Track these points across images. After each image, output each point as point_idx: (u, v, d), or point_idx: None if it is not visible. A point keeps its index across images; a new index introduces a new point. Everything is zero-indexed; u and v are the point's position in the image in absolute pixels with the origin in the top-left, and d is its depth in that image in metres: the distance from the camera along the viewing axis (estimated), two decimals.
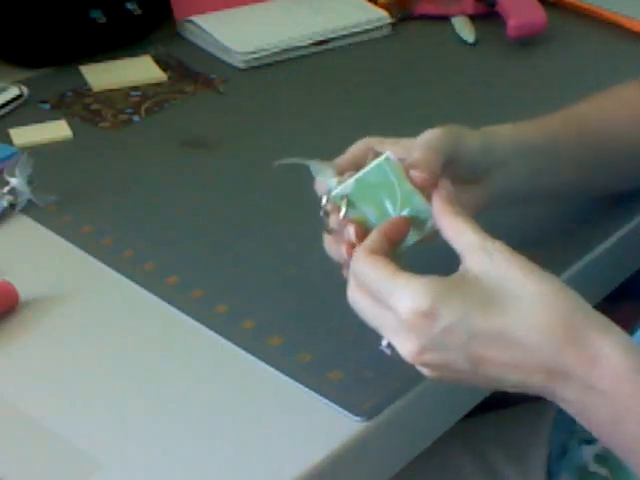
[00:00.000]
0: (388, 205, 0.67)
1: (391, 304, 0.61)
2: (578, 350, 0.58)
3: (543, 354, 0.58)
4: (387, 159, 0.67)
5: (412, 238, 0.67)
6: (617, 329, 0.60)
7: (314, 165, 0.70)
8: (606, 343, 0.58)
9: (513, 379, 0.60)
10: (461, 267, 0.61)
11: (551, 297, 0.59)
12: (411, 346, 0.60)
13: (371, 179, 0.67)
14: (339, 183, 0.68)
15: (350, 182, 0.68)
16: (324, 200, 0.69)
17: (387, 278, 0.61)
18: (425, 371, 0.62)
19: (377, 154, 0.69)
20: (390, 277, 0.61)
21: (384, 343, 0.64)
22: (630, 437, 0.59)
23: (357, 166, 0.70)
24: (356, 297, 0.64)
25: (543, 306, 0.59)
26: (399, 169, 0.67)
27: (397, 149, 0.70)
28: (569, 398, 0.59)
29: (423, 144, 0.69)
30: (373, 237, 0.65)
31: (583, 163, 0.82)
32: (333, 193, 0.68)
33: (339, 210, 0.67)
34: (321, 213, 0.69)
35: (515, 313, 0.58)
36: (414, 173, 0.67)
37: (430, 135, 0.71)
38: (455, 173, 0.71)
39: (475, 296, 0.59)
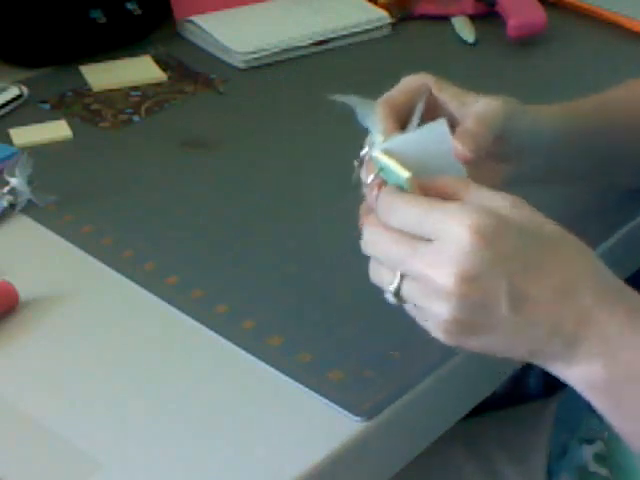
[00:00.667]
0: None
1: (442, 230, 0.57)
2: (610, 307, 0.59)
3: (579, 304, 0.59)
4: (442, 124, 0.63)
5: None
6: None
7: (361, 107, 0.67)
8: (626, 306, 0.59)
9: (547, 325, 0.59)
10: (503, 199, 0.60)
11: (589, 253, 0.61)
12: (455, 275, 0.57)
13: (420, 144, 0.63)
14: (385, 139, 0.64)
15: (395, 142, 0.63)
16: (363, 151, 0.66)
17: (433, 207, 0.58)
18: (450, 322, 0.59)
19: (431, 99, 0.68)
20: (437, 205, 0.58)
21: (391, 289, 0.61)
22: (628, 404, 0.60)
23: (407, 104, 0.69)
24: (380, 234, 0.60)
25: (585, 259, 0.60)
26: (449, 139, 0.63)
27: (457, 107, 0.70)
28: (590, 355, 0.59)
29: (478, 115, 0.68)
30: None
31: (612, 152, 0.82)
32: (374, 153, 0.62)
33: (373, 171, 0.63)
34: (355, 163, 0.67)
35: (562, 260, 0.59)
36: (457, 145, 0.65)
37: (487, 107, 0.69)
38: (496, 150, 0.70)
39: (532, 232, 0.59)
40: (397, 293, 0.61)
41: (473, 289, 0.57)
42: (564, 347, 0.59)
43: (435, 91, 0.71)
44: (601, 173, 0.85)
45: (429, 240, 0.58)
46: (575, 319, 0.58)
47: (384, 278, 0.62)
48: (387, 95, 0.72)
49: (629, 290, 0.61)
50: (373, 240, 0.61)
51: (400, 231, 0.59)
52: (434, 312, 0.59)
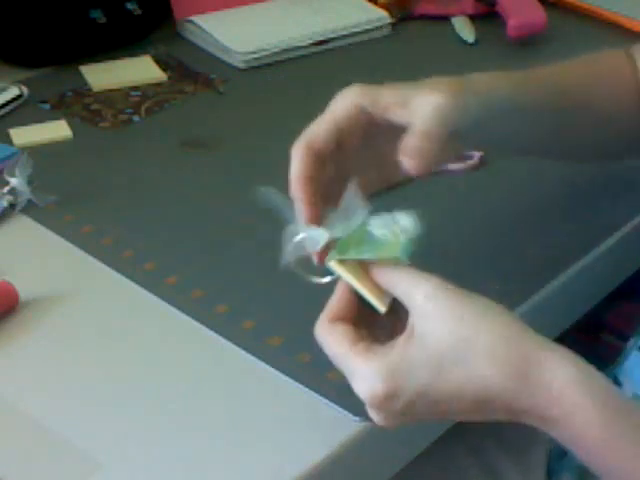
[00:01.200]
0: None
1: (351, 383, 0.61)
2: (528, 393, 0.58)
3: (498, 402, 0.59)
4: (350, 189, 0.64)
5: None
6: (567, 358, 0.59)
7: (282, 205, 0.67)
8: (557, 378, 0.58)
9: (481, 419, 0.62)
10: (409, 321, 0.61)
11: (495, 348, 0.59)
12: (379, 419, 0.61)
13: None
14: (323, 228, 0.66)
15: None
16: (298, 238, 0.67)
17: (343, 356, 0.61)
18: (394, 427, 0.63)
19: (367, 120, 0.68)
20: (345, 356, 0.61)
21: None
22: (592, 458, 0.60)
23: (331, 141, 0.69)
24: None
25: (486, 361, 0.59)
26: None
27: (400, 112, 0.68)
28: (542, 429, 0.60)
29: (421, 128, 0.66)
30: (335, 299, 0.64)
31: (560, 129, 0.81)
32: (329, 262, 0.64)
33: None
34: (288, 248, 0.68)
35: (463, 373, 0.59)
36: (405, 161, 0.65)
37: (436, 103, 0.67)
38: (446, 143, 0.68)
39: (424, 366, 0.59)
40: None
41: (401, 422, 0.62)
42: (510, 420, 0.62)
43: (371, 109, 0.69)
44: (554, 144, 0.83)
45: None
46: (506, 414, 0.61)
47: None
48: (307, 141, 0.71)
49: (543, 365, 0.60)
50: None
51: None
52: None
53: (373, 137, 0.71)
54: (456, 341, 0.59)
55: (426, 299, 0.60)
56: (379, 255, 0.62)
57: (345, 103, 0.71)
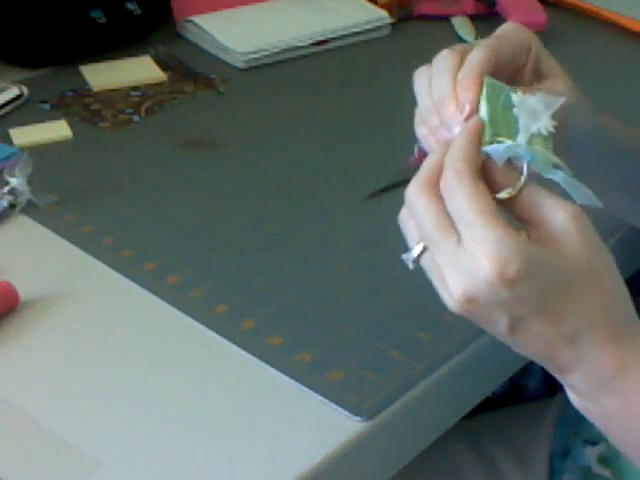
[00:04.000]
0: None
1: (471, 247, 0.55)
2: (628, 349, 0.57)
3: (602, 333, 0.57)
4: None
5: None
6: None
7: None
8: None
9: (539, 354, 0.59)
10: (542, 231, 0.58)
11: (615, 296, 0.59)
12: (464, 291, 0.56)
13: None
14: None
15: None
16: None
17: (484, 216, 0.55)
18: (456, 309, 0.58)
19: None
20: (486, 219, 0.55)
21: (411, 255, 0.59)
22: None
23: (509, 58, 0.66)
24: (427, 204, 0.58)
25: (607, 302, 0.58)
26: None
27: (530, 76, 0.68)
28: (575, 389, 0.59)
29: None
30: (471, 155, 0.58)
31: None
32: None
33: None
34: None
35: (580, 302, 0.57)
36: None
37: (561, 89, 0.67)
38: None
39: (556, 277, 0.56)
40: (415, 260, 0.59)
41: (473, 309, 0.57)
42: (555, 371, 0.59)
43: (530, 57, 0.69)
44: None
45: (460, 242, 0.56)
46: (567, 359, 0.58)
47: (409, 235, 0.60)
48: (493, 49, 0.65)
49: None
50: (419, 204, 0.58)
51: (445, 212, 0.57)
52: (442, 295, 0.59)
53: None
54: (590, 265, 0.57)
55: (572, 218, 0.57)
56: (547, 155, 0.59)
57: (525, 37, 0.70)
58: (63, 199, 0.89)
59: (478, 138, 0.59)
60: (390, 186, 0.92)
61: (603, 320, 0.58)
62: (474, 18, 1.29)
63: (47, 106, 1.08)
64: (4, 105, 1.05)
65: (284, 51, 1.20)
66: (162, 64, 1.17)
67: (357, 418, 0.67)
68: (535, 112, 0.61)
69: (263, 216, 0.90)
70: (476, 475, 0.89)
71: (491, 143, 0.59)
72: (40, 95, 1.09)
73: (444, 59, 0.65)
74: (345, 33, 1.24)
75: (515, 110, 0.61)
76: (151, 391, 0.70)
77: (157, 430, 0.67)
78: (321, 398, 0.69)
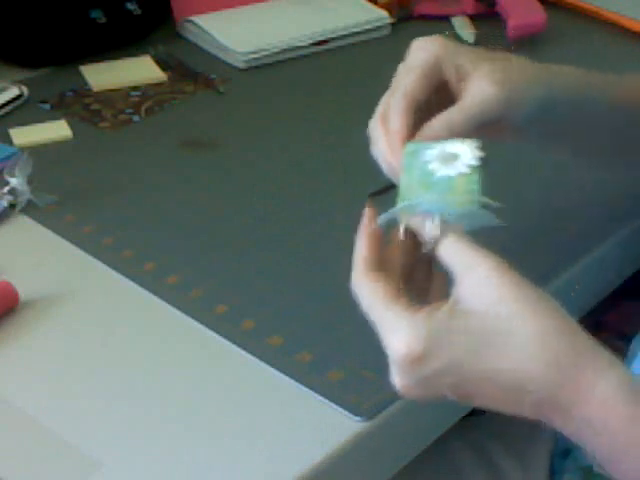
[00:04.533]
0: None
1: (382, 337, 0.59)
2: (574, 389, 0.56)
3: (535, 394, 0.57)
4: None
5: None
6: (615, 364, 0.57)
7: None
8: (603, 381, 0.56)
9: (506, 410, 0.59)
10: (454, 292, 0.59)
11: (544, 337, 0.57)
12: (402, 382, 0.59)
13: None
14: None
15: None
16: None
17: (382, 309, 0.59)
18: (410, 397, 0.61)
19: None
20: (385, 308, 0.59)
21: None
22: (629, 473, 0.58)
23: (424, 91, 0.67)
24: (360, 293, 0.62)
25: (536, 346, 0.56)
26: None
27: (453, 77, 0.68)
28: (566, 431, 0.59)
29: (464, 107, 0.67)
30: (364, 251, 0.62)
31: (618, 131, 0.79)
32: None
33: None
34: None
35: (507, 357, 0.57)
36: (434, 124, 0.65)
37: (479, 97, 0.67)
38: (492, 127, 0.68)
39: (466, 339, 0.57)
40: None
41: (422, 393, 0.59)
42: (536, 417, 0.59)
43: (443, 65, 0.69)
44: (614, 152, 0.82)
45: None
46: (529, 409, 0.58)
47: None
48: (406, 101, 0.68)
49: (589, 365, 0.58)
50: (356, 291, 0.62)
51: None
52: None
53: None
54: (509, 321, 0.57)
55: (485, 275, 0.58)
56: (452, 197, 0.61)
57: (429, 55, 0.69)
58: (63, 199, 0.90)
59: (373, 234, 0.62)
60: (390, 186, 0.92)
61: (544, 364, 0.57)
62: (474, 18, 1.29)
63: (47, 106, 1.08)
64: (4, 105, 1.05)
65: (284, 51, 1.20)
66: (162, 64, 1.17)
67: (357, 418, 0.67)
68: (449, 158, 0.62)
69: (263, 216, 0.90)
70: (476, 475, 0.88)
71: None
72: (40, 95, 1.09)
73: (373, 130, 0.69)
74: (345, 33, 1.24)
75: (430, 166, 0.62)
76: (151, 391, 0.70)
77: (157, 430, 0.67)
78: (321, 398, 0.69)
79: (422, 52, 0.70)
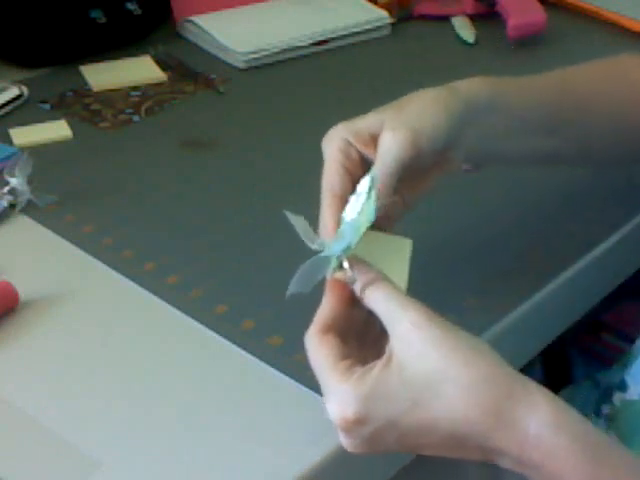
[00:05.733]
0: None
1: (325, 401, 0.61)
2: (506, 434, 0.57)
3: (472, 440, 0.58)
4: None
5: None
6: (545, 401, 0.58)
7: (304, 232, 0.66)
8: (533, 421, 0.57)
9: (454, 456, 0.61)
10: (387, 347, 0.60)
11: (471, 387, 0.58)
12: (347, 443, 0.60)
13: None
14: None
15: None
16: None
17: (324, 372, 0.61)
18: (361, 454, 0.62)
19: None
20: (325, 372, 0.61)
21: None
22: None
23: (345, 180, 0.69)
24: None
25: (465, 397, 0.57)
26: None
27: (368, 151, 0.70)
28: (513, 469, 0.59)
29: (386, 157, 0.68)
30: (324, 310, 0.64)
31: (558, 129, 0.80)
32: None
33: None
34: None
35: (438, 406, 0.58)
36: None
37: (393, 145, 0.68)
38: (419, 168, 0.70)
39: (399, 395, 0.58)
40: None
41: (369, 450, 0.61)
42: (483, 460, 0.61)
43: (354, 143, 0.71)
44: (553, 150, 0.82)
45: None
46: (476, 452, 0.60)
47: None
48: (331, 195, 0.69)
49: (519, 406, 0.58)
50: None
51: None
52: None
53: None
54: (434, 374, 0.58)
55: (411, 327, 0.59)
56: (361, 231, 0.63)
57: (335, 144, 0.71)
58: (63, 199, 0.90)
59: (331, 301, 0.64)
60: None
61: (480, 411, 0.57)
62: (474, 18, 1.30)
63: (47, 106, 1.08)
64: (4, 105, 1.05)
65: (284, 51, 1.20)
66: (162, 64, 1.17)
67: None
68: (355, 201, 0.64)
69: (263, 216, 0.90)
70: (476, 475, 0.88)
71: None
72: (40, 95, 1.09)
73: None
74: (345, 33, 1.24)
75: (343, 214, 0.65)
76: (151, 391, 0.70)
77: (157, 430, 0.67)
78: (321, 398, 0.69)
79: (329, 145, 0.72)
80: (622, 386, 0.84)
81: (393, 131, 0.69)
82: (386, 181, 0.67)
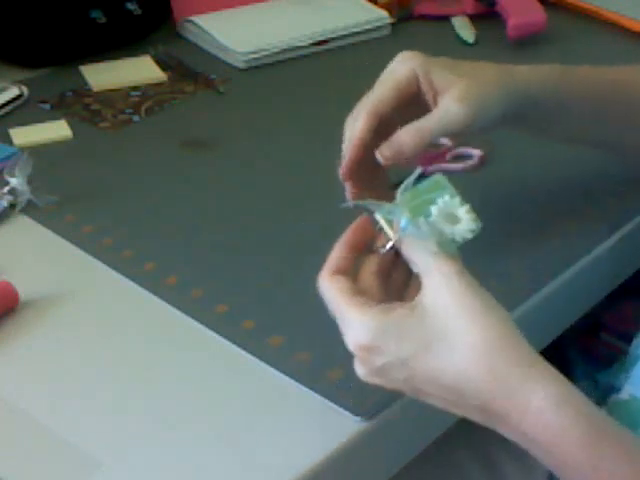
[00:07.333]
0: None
1: (342, 331, 0.63)
2: (509, 401, 0.58)
3: (475, 399, 0.60)
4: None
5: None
6: (554, 378, 0.59)
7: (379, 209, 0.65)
8: (538, 395, 0.58)
9: (454, 412, 0.62)
10: (417, 296, 0.61)
11: (484, 348, 0.59)
12: (359, 370, 0.63)
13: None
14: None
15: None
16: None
17: (340, 305, 0.63)
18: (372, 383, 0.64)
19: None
20: (342, 304, 0.62)
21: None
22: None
23: (393, 108, 0.74)
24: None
25: (476, 357, 0.59)
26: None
27: (430, 95, 0.75)
28: (510, 438, 0.60)
29: (447, 117, 0.73)
30: (339, 253, 0.65)
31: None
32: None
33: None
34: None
35: (449, 359, 0.59)
36: (401, 136, 0.72)
37: (460, 110, 0.73)
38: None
39: (414, 336, 0.60)
40: None
41: (380, 382, 0.63)
42: (484, 423, 0.62)
43: (421, 79, 0.75)
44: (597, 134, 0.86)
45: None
46: (477, 413, 0.61)
47: None
48: (373, 105, 0.75)
49: (526, 377, 0.59)
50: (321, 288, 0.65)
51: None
52: None
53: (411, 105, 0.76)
54: (454, 329, 0.59)
55: (444, 279, 0.60)
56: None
57: (406, 69, 0.76)
58: (63, 199, 0.89)
59: (346, 242, 0.66)
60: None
61: (486, 370, 0.59)
62: (474, 18, 1.29)
63: (47, 106, 1.08)
64: (4, 105, 1.05)
65: (284, 51, 1.20)
66: (162, 64, 1.17)
67: (357, 418, 0.67)
68: (450, 217, 0.64)
69: (263, 216, 0.90)
70: (476, 475, 0.89)
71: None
72: (40, 95, 1.09)
73: (346, 127, 0.79)
74: (345, 33, 1.24)
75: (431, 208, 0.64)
76: (151, 391, 0.70)
77: (157, 430, 0.67)
78: (321, 398, 0.69)
79: (401, 65, 0.76)
80: (619, 387, 0.84)
81: (461, 103, 0.73)
82: (427, 137, 0.72)
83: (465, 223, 0.64)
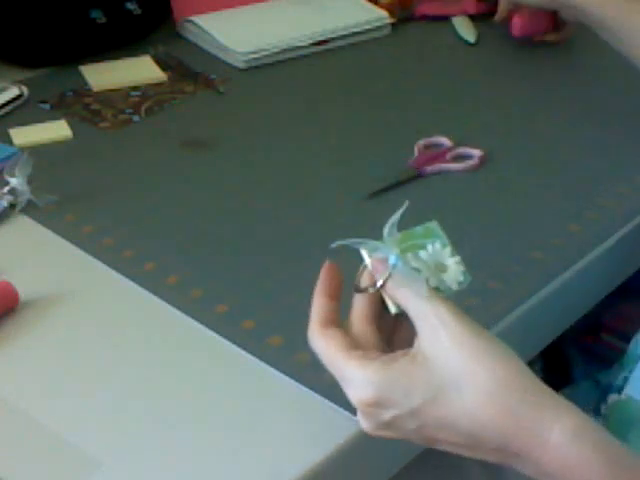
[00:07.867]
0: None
1: (343, 387, 0.62)
2: (527, 440, 0.58)
3: (492, 442, 0.59)
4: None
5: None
6: (569, 410, 0.58)
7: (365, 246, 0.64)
8: (555, 430, 0.57)
9: (469, 455, 0.61)
10: (415, 343, 0.60)
11: (494, 388, 0.58)
12: (365, 425, 0.62)
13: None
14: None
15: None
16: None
17: (338, 361, 0.61)
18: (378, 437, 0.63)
19: None
20: (340, 360, 0.61)
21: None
22: None
23: None
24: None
25: (488, 400, 0.58)
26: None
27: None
28: (526, 473, 0.60)
29: None
30: (322, 304, 0.64)
31: None
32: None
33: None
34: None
35: (460, 404, 0.58)
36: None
37: None
38: None
39: (421, 386, 0.59)
40: None
41: (388, 435, 0.62)
42: (500, 463, 0.61)
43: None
44: None
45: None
46: (492, 454, 0.60)
47: None
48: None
49: (542, 413, 0.59)
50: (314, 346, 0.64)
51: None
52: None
53: None
54: (460, 373, 0.58)
55: (441, 324, 0.59)
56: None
57: None
58: (63, 199, 0.90)
59: (324, 292, 0.64)
60: (391, 186, 0.92)
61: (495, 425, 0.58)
62: (475, 18, 1.29)
63: (47, 106, 1.08)
64: (4, 105, 1.05)
65: (284, 51, 1.20)
66: (162, 64, 1.17)
67: (357, 418, 0.67)
68: (439, 267, 0.63)
69: (263, 216, 0.90)
70: (476, 475, 0.88)
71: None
72: (40, 95, 1.09)
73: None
74: (345, 33, 1.24)
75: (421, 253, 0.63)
76: (151, 391, 0.70)
77: (157, 430, 0.67)
78: (321, 398, 0.69)
79: None
80: (621, 387, 0.84)
81: None
82: None
83: (453, 273, 0.63)
